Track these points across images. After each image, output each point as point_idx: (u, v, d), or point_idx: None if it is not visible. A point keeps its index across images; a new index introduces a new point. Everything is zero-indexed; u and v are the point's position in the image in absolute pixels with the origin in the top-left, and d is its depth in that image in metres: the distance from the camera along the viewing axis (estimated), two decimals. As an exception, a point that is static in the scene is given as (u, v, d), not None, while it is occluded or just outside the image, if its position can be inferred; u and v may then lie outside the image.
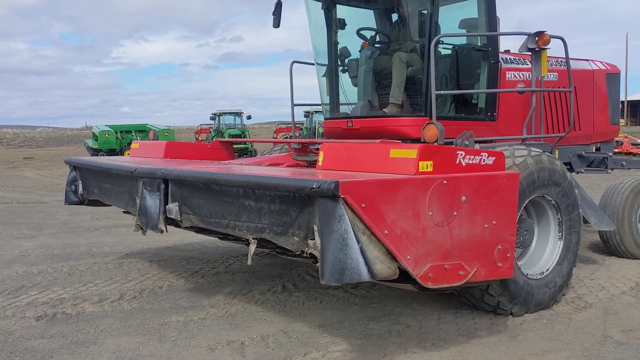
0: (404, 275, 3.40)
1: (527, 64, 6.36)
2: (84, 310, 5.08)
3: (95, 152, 27.64)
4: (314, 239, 3.35)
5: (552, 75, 6.53)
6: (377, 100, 6.09)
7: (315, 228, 3.32)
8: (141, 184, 4.89)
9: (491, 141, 5.87)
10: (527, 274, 4.75)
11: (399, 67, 5.76)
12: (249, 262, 4.16)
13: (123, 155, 27.90)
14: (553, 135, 6.24)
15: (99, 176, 5.90)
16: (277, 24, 6.50)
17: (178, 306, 5.15)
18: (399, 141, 4.77)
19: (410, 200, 3.35)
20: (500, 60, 6.03)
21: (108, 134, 27.58)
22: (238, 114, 30.32)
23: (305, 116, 31.07)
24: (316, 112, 29.14)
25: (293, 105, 7.00)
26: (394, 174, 3.58)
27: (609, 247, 6.79)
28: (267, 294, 5.46)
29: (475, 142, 5.22)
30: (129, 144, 28.07)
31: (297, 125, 33.54)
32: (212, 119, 30.16)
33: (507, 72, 6.14)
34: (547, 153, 5.06)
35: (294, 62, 6.87)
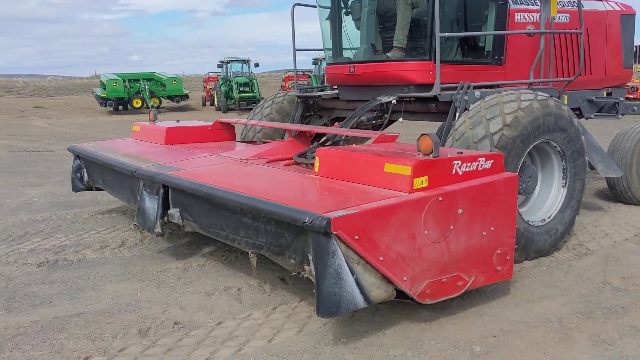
0: (401, 292, 3.36)
1: (538, 5, 6.11)
2: (85, 257, 5.11)
3: (104, 100, 27.56)
4: (309, 266, 3.29)
5: (563, 17, 6.28)
6: (381, 44, 5.91)
7: (310, 257, 3.25)
8: (142, 184, 4.80)
9: (497, 86, 5.72)
10: (528, 221, 4.69)
11: (404, 9, 5.56)
12: (254, 274, 4.19)
13: (131, 104, 27.83)
14: (561, 79, 6.05)
15: (101, 168, 5.83)
16: None
17: (178, 253, 5.17)
18: (396, 134, 4.63)
19: (404, 223, 3.25)
20: (509, 0, 5.80)
21: (116, 83, 27.36)
22: (246, 62, 29.90)
23: (313, 64, 30.50)
24: (324, 59, 28.64)
25: (295, 50, 6.83)
26: (388, 189, 3.48)
27: (615, 193, 6.69)
28: (268, 241, 5.46)
29: (479, 87, 5.10)
30: (137, 92, 28.00)
31: (305, 73, 33.07)
32: (219, 67, 29.75)
33: (516, 14, 5.91)
34: (555, 98, 4.90)
35: (295, 4, 6.65)
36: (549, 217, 4.86)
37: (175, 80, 29.22)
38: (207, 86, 32.90)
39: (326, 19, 6.47)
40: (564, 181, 4.93)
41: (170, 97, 29.30)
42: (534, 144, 4.65)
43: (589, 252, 4.98)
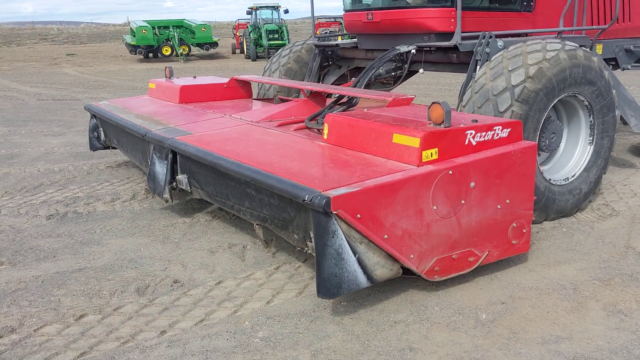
0: (408, 270, 3.18)
1: (573, -55, 5.64)
2: (94, 210, 5.08)
3: (134, 48, 27.52)
4: (312, 242, 3.12)
5: (601, -42, 5.80)
6: (400, -11, 5.57)
7: (311, 235, 3.08)
8: (152, 148, 4.69)
9: (526, 34, 5.36)
10: (549, 179, 4.43)
11: (424, -49, 5.19)
12: (264, 246, 4.07)
13: (161, 51, 27.69)
14: (595, 27, 5.63)
15: (115, 129, 5.72)
16: None
17: (187, 208, 5.10)
18: (412, 96, 4.37)
19: (411, 199, 3.04)
20: (541, -59, 5.36)
21: (145, 30, 27.19)
22: (275, 8, 29.27)
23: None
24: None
25: (312, -1, 6.52)
26: (396, 161, 3.27)
27: (650, 150, 6.32)
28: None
29: (502, 36, 4.76)
30: (167, 39, 27.81)
31: (337, 20, 32.26)
32: (248, 13, 29.21)
33: (547, -45, 5.47)
34: (584, 48, 4.55)
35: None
36: (572, 176, 4.58)
37: (204, 28, 28.90)
38: (237, 33, 32.48)
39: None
40: (591, 138, 4.62)
41: (199, 45, 29.06)
42: (560, 97, 4.33)
43: (614, 213, 4.71)
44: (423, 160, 3.20)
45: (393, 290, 3.46)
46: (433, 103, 3.37)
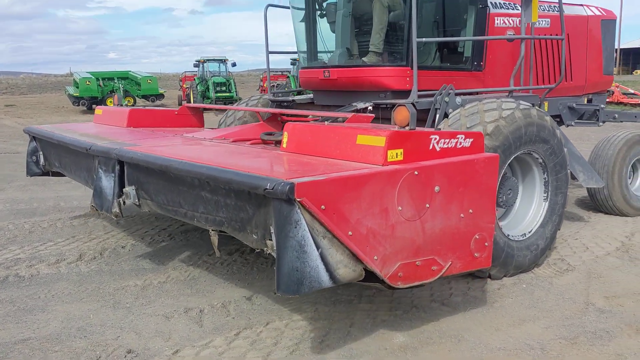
0: (371, 274, 3.09)
1: (518, 9, 5.90)
2: (38, 273, 4.77)
3: (77, 99, 26.96)
4: (272, 240, 3.01)
5: (543, 22, 6.09)
6: (356, 48, 5.65)
7: (272, 230, 2.97)
8: (97, 162, 4.51)
9: (476, 93, 5.50)
10: (508, 235, 4.47)
11: (380, 12, 5.31)
12: (217, 254, 3.87)
13: (105, 103, 27.24)
14: (543, 86, 5.86)
15: (58, 149, 5.51)
16: None
17: (139, 268, 4.86)
18: (372, 115, 4.39)
19: (376, 197, 3.00)
20: (489, 4, 5.58)
21: (89, 81, 26.77)
22: (223, 61, 29.44)
23: (292, 64, 30.19)
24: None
25: (268, 52, 6.55)
26: (361, 162, 3.23)
27: (595, 202, 6.52)
28: (235, 255, 5.17)
29: (460, 94, 4.87)
30: (111, 91, 27.42)
31: (283, 73, 32.72)
32: (195, 66, 29.26)
33: (495, 18, 5.69)
34: (537, 107, 4.69)
35: (268, 5, 6.36)
36: (529, 232, 4.64)
37: (150, 79, 28.74)
38: (184, 85, 32.38)
39: (300, 21, 6.20)
40: (546, 194, 4.72)
41: (145, 97, 28.79)
42: (515, 155, 4.43)
43: (570, 268, 4.78)
44: (388, 160, 3.15)
45: (361, 352, 3.33)
46: (398, 105, 3.35)
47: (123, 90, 27.68)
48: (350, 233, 2.91)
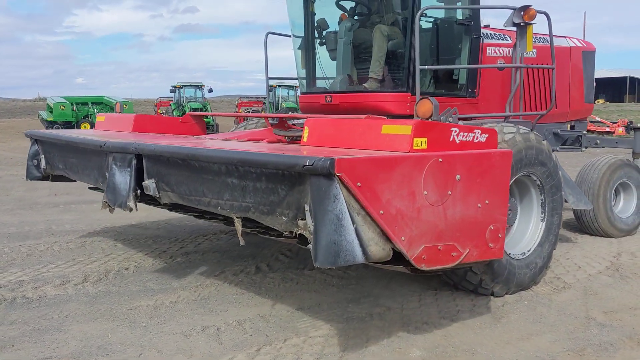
0: (397, 257, 3.25)
1: (507, 40, 6.22)
2: (45, 294, 4.76)
3: (50, 124, 26.64)
4: (304, 219, 3.15)
5: (531, 52, 6.41)
6: (357, 75, 5.86)
7: (307, 208, 3.12)
8: (111, 159, 4.57)
9: (471, 118, 5.74)
10: (509, 253, 4.66)
11: (380, 41, 5.54)
12: (241, 242, 3.92)
13: (79, 128, 26.99)
14: (534, 113, 6.14)
15: (64, 150, 5.54)
16: None
17: (147, 289, 4.89)
18: (384, 117, 4.58)
19: (406, 179, 3.18)
20: (482, 34, 5.87)
21: (63, 106, 26.57)
22: (199, 87, 29.56)
23: (269, 90, 30.50)
24: (280, 86, 28.65)
25: (267, 78, 6.72)
26: (387, 151, 3.40)
27: (581, 223, 6.80)
28: (240, 275, 5.24)
29: (462, 119, 5.09)
30: (85, 116, 27.21)
31: (259, 100, 32.95)
32: (172, 91, 29.32)
33: (487, 48, 5.99)
34: (535, 132, 4.95)
35: (268, 33, 6.56)
36: (528, 251, 4.84)
37: (126, 104, 28.55)
38: (159, 111, 32.32)
39: (299, 48, 6.40)
40: (543, 215, 4.94)
41: (120, 122, 28.58)
42: (515, 177, 4.65)
43: (566, 286, 4.98)
44: (414, 148, 3.33)
45: (382, 369, 3.45)
46: (422, 98, 3.54)
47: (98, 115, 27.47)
48: (381, 212, 3.07)
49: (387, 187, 3.09)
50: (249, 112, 28.53)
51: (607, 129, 23.49)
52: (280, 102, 28.52)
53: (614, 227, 6.63)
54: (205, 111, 27.62)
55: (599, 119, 25.64)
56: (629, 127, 24.01)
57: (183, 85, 29.12)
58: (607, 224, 6.60)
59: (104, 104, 28.55)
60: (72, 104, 27.05)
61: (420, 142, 3.37)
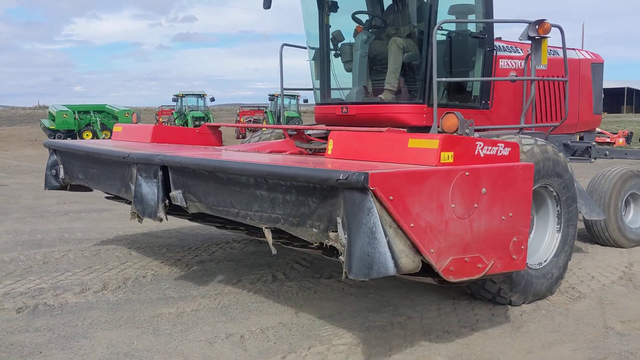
0: (425, 269, 3.31)
1: (519, 52, 6.32)
2: (66, 302, 4.80)
3: (53, 132, 26.73)
4: (336, 232, 3.21)
5: (542, 65, 6.50)
6: (372, 87, 5.94)
7: (339, 220, 3.18)
8: (135, 170, 4.62)
9: (485, 130, 5.81)
10: (527, 263, 4.71)
11: (395, 53, 5.63)
12: (273, 251, 3.96)
13: (81, 136, 27.06)
14: (548, 124, 6.23)
15: (84, 161, 5.59)
16: (267, 5, 6.26)
17: (167, 297, 4.93)
18: (403, 129, 4.65)
19: (434, 192, 3.25)
20: (495, 47, 5.96)
21: (66, 114, 26.65)
22: (201, 96, 29.73)
23: (269, 99, 30.61)
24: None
25: (283, 89, 6.80)
26: (413, 164, 3.46)
27: (592, 233, 6.86)
28: (258, 284, 5.29)
29: (478, 130, 5.16)
30: (87, 124, 27.24)
31: (260, 109, 33.04)
32: (174, 100, 29.47)
33: (500, 60, 6.08)
34: (552, 144, 5.02)
35: (284, 44, 6.65)
36: (545, 261, 4.90)
37: (127, 113, 28.66)
38: (160, 119, 32.43)
39: (313, 59, 6.48)
40: (559, 226, 5.00)
41: (122, 130, 28.64)
42: (534, 187, 4.71)
43: (582, 296, 5.04)
44: (441, 161, 3.40)
45: (409, 376, 3.49)
46: (447, 113, 3.61)
47: (100, 123, 27.55)
48: (412, 225, 3.14)
49: (417, 201, 3.16)
50: (250, 121, 28.63)
51: (608, 140, 23.62)
52: (282, 111, 28.64)
53: (624, 237, 6.70)
54: (207, 120, 27.78)
55: (599, 130, 25.77)
56: (629, 138, 24.20)
57: (185, 94, 29.26)
58: (618, 233, 6.67)
59: (105, 113, 28.63)
60: (74, 112, 27.14)
61: (447, 156, 3.44)
